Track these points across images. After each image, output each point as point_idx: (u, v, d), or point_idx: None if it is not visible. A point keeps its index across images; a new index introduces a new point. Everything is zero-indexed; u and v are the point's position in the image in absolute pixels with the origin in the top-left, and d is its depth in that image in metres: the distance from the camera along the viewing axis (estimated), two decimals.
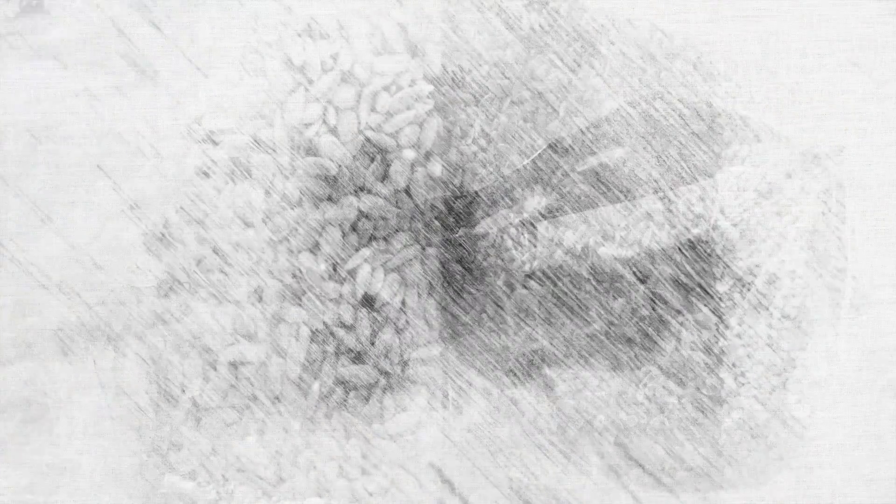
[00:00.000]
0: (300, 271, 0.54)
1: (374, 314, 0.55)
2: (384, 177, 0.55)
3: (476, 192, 0.56)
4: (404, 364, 0.55)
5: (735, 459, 0.59)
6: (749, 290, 0.58)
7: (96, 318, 0.52)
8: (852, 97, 0.59)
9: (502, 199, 0.56)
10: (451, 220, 0.56)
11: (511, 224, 0.57)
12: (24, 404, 0.52)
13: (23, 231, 0.53)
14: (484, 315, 0.56)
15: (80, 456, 0.53)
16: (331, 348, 0.55)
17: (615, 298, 0.57)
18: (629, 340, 0.57)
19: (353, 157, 0.54)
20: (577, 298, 0.57)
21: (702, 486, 0.58)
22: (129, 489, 0.53)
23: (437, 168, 0.56)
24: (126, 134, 0.54)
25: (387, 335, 0.55)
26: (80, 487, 0.53)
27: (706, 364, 0.58)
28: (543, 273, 0.57)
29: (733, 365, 0.58)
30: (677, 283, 0.58)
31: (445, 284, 0.56)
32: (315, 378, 0.54)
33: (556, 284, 0.56)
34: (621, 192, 0.58)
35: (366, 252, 0.54)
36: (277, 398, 0.54)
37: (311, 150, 0.54)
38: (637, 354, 0.57)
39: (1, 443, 0.53)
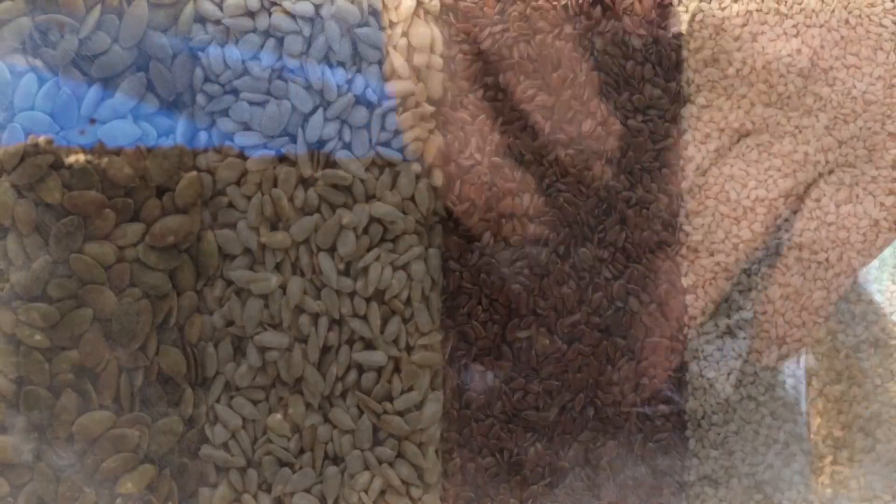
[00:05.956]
0: (319, 269, 0.56)
1: (384, 306, 0.57)
2: (392, 186, 0.58)
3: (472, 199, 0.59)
4: (410, 350, 0.58)
5: (712, 442, 0.62)
6: (711, 284, 0.62)
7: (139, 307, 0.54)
8: None
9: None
10: (451, 223, 0.59)
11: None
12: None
13: None
14: (479, 307, 0.60)
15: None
16: (346, 336, 0.57)
17: (594, 293, 0.61)
18: (606, 329, 0.61)
19: (366, 169, 0.57)
20: (560, 292, 0.60)
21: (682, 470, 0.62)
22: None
23: (438, 179, 0.59)
24: None
25: (394, 325, 0.58)
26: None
27: (672, 350, 0.61)
28: (530, 269, 0.60)
29: (696, 350, 0.63)
30: (648, 278, 0.62)
31: (446, 280, 0.59)
32: (332, 362, 0.57)
33: (541, 280, 0.60)
34: (601, 200, 0.62)
35: (376, 252, 0.57)
36: (299, 380, 0.56)
37: (329, 164, 0.56)
38: (613, 342, 0.61)
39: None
